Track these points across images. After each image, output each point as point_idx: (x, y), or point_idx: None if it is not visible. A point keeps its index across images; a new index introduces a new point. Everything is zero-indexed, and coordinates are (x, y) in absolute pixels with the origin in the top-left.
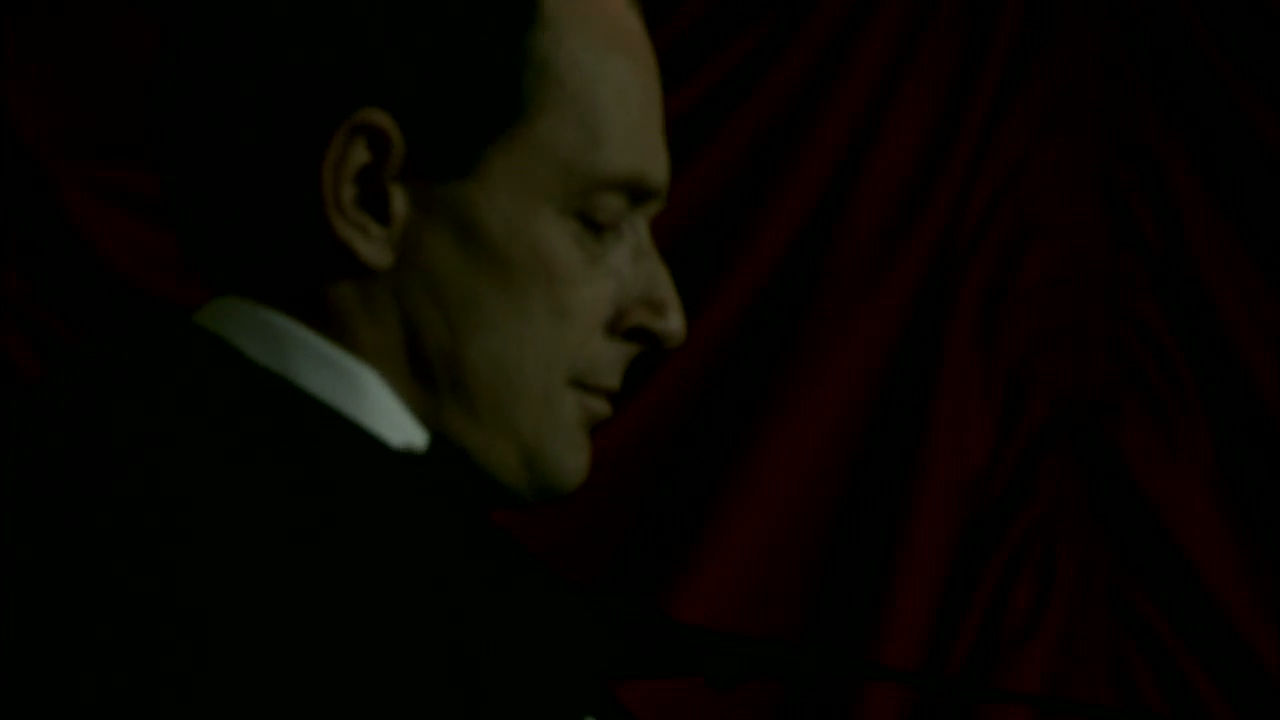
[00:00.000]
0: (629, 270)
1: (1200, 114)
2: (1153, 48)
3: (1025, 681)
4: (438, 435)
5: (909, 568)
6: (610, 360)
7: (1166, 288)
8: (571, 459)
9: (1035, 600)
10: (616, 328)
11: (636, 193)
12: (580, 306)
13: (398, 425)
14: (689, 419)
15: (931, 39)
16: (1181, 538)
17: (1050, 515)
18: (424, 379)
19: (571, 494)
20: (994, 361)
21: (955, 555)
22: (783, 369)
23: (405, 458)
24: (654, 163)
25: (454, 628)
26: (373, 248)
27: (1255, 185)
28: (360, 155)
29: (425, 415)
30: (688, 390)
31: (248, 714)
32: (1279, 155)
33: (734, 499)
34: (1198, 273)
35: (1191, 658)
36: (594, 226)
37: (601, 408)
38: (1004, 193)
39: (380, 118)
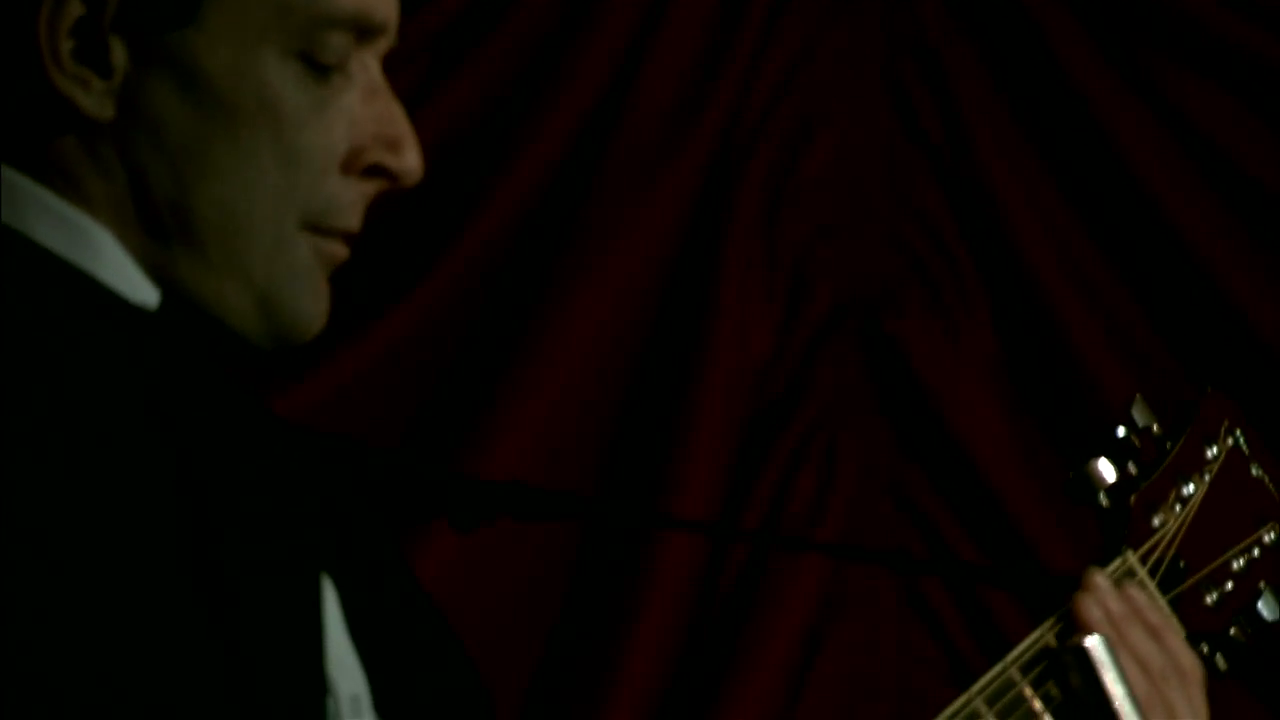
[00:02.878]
0: (362, 110)
1: (983, 5)
2: None
3: (808, 571)
4: (171, 289)
5: (693, 459)
6: (347, 201)
7: (948, 180)
8: (308, 304)
9: (818, 490)
10: (352, 167)
11: (361, 29)
12: (310, 148)
13: (131, 280)
14: (471, 315)
15: None
16: (961, 427)
17: (832, 406)
18: (154, 230)
19: (309, 341)
20: (776, 253)
21: (739, 446)
22: (565, 262)
23: (138, 311)
24: None
25: (180, 477)
26: (93, 100)
27: (1038, 78)
28: (75, 8)
29: (159, 266)
30: (469, 286)
31: None
32: (1062, 48)
33: (517, 394)
34: (979, 165)
35: (970, 545)
36: (320, 68)
37: (339, 251)
38: (786, 85)
39: None
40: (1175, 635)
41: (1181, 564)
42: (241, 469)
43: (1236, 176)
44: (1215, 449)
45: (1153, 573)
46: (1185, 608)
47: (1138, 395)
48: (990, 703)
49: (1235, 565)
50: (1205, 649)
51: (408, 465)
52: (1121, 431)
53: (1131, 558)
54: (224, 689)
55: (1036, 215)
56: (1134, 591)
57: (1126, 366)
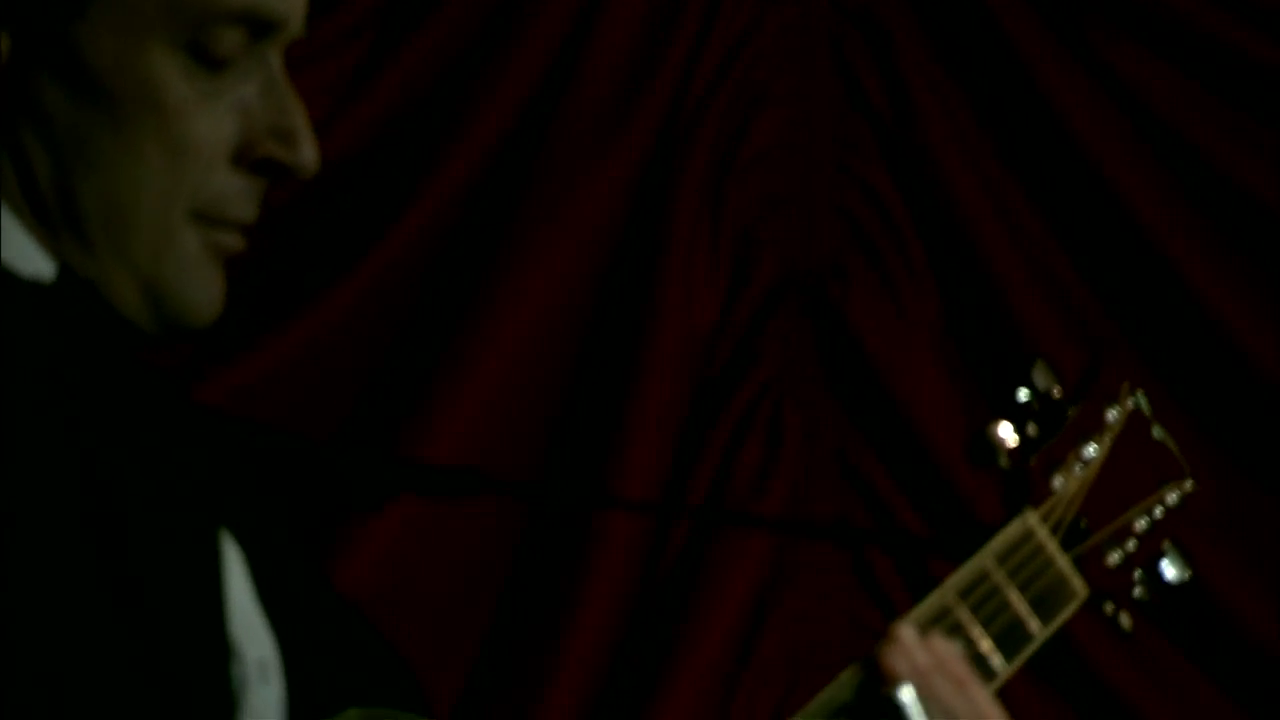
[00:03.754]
0: (257, 103)
1: None
2: None
3: (753, 542)
4: (65, 267)
5: (638, 430)
6: (238, 193)
7: (894, 153)
8: (196, 293)
9: (763, 461)
10: (244, 160)
11: (255, 24)
12: (197, 140)
13: (27, 255)
14: (416, 290)
15: None
16: (906, 398)
17: (778, 377)
18: (41, 217)
19: (202, 329)
20: (722, 225)
21: (684, 416)
22: (511, 235)
23: (31, 286)
24: None
25: (75, 448)
26: None
27: (984, 52)
28: None
29: (50, 249)
30: (414, 261)
31: None
32: (1008, 21)
33: (462, 368)
34: (925, 137)
35: (915, 514)
36: (212, 61)
37: (232, 241)
38: (733, 58)
39: None
40: (979, 687)
41: (1083, 524)
42: (139, 439)
43: (1181, 147)
44: (1117, 411)
45: (1053, 533)
46: (1087, 567)
47: (1039, 359)
48: None
49: (1138, 525)
50: (1110, 609)
51: (310, 449)
52: (1023, 395)
53: (1032, 518)
54: (124, 656)
55: (982, 188)
56: (939, 643)
57: (1069, 335)
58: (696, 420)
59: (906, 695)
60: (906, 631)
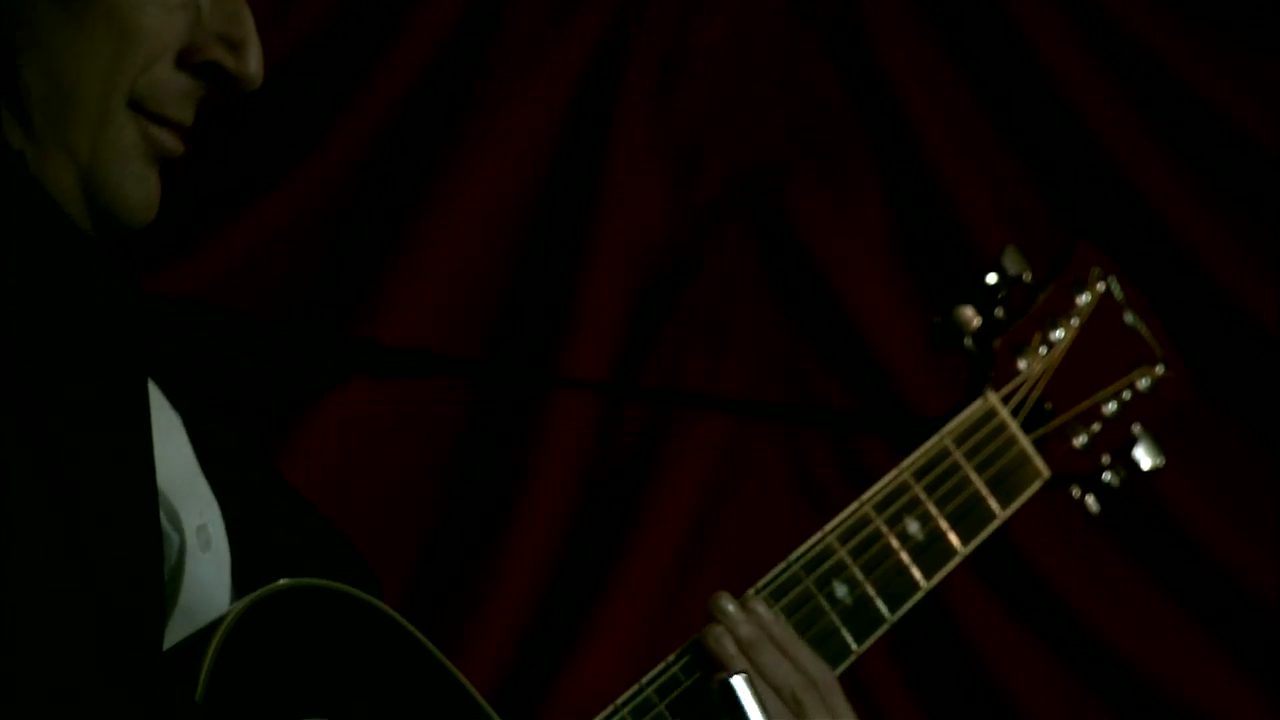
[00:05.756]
0: (209, 7)
1: None
2: None
3: (701, 450)
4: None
5: (583, 337)
6: (179, 91)
7: (840, 55)
8: (132, 189)
9: (709, 365)
10: (188, 61)
11: None
12: (146, 29)
13: None
14: (365, 184)
15: None
16: (853, 301)
17: (725, 282)
18: None
19: (136, 229)
20: (668, 129)
21: (629, 322)
22: (454, 138)
23: None
24: None
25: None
26: None
27: None
28: None
29: None
30: (362, 156)
31: None
32: None
33: (413, 256)
34: (874, 43)
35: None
36: None
37: (168, 140)
38: None
39: None
40: (801, 647)
41: (1047, 406)
42: (64, 312)
43: (1131, 51)
44: (1086, 296)
45: (1015, 414)
46: (1050, 448)
47: (1010, 245)
48: None
49: (1106, 409)
50: (1076, 492)
51: (262, 326)
52: (992, 278)
53: (993, 398)
54: (46, 529)
55: (928, 90)
56: (759, 608)
57: (1018, 239)
58: (644, 326)
59: (739, 682)
60: (728, 605)
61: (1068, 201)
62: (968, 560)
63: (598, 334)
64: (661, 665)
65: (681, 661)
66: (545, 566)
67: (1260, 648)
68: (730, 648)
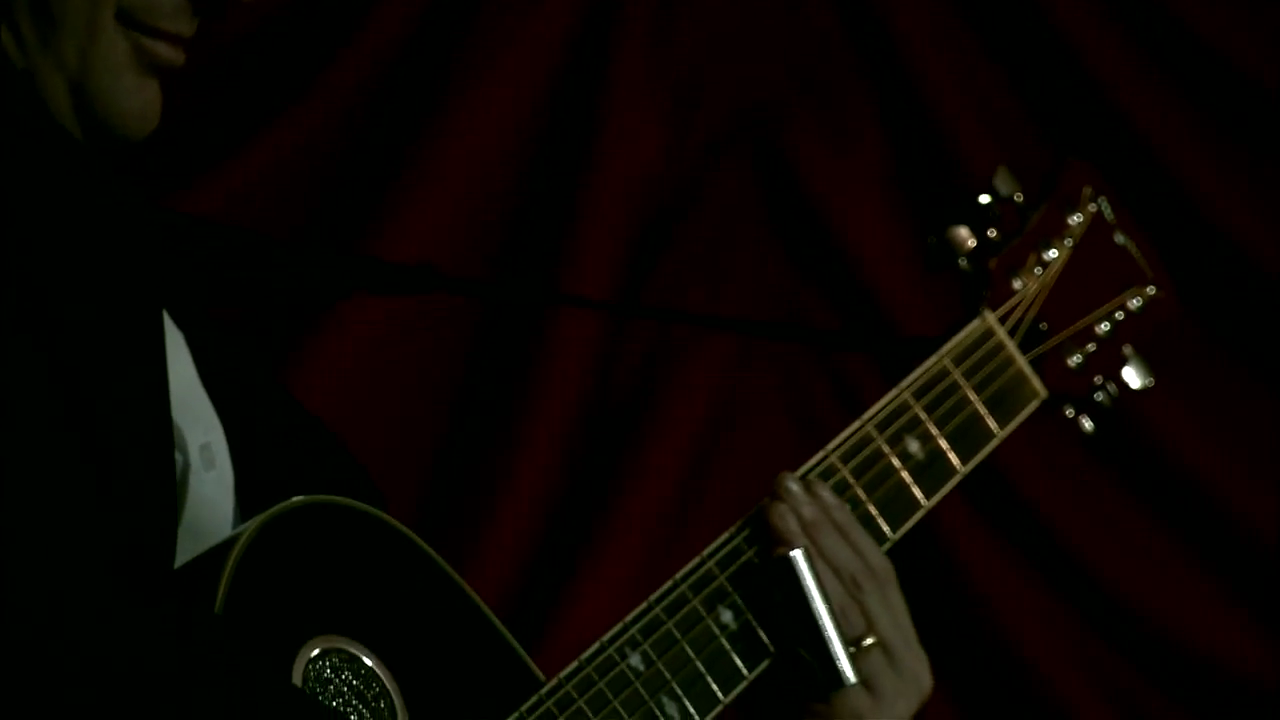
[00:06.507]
0: None
1: None
2: None
3: (701, 386)
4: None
5: (584, 264)
6: (170, 3)
7: None
8: (126, 101)
9: (708, 300)
10: None
11: None
12: None
13: None
14: (371, 113)
15: None
16: (850, 235)
17: (724, 216)
18: None
19: (135, 141)
20: (667, 65)
21: (630, 257)
22: (457, 69)
23: None
24: None
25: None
26: None
27: None
28: None
29: None
30: (369, 85)
31: None
32: None
33: (403, 205)
34: None
35: (861, 359)
36: None
37: (165, 52)
38: None
39: None
40: (862, 534)
41: (1042, 325)
42: (79, 229)
43: None
44: (1078, 216)
45: (1012, 334)
46: (1046, 368)
47: (1002, 165)
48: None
49: (1099, 329)
50: (1070, 412)
51: (268, 243)
52: (985, 199)
53: (990, 318)
54: (60, 442)
55: (926, 25)
56: (823, 491)
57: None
58: (642, 262)
59: (799, 557)
60: (793, 484)
61: (1067, 137)
62: (958, 486)
63: (597, 267)
64: (721, 539)
65: (742, 535)
66: (553, 478)
67: (1249, 575)
68: (793, 525)
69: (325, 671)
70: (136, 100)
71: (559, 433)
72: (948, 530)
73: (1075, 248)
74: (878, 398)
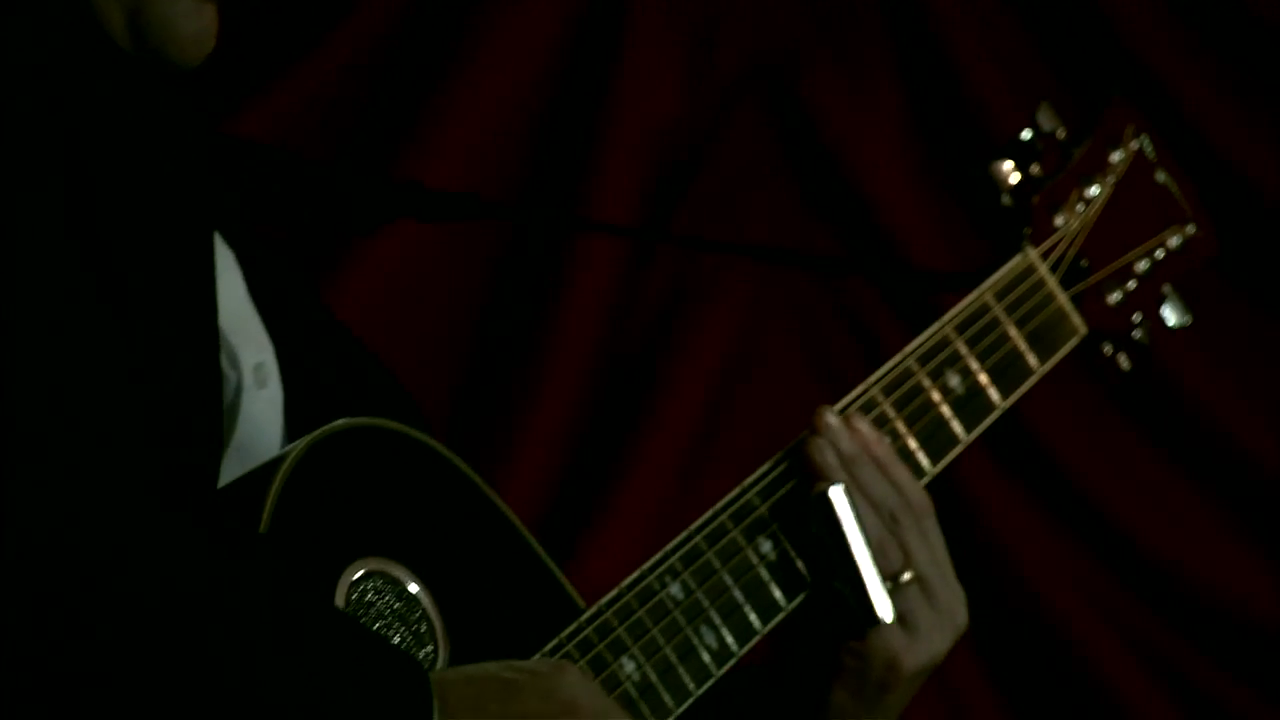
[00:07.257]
0: None
1: None
2: None
3: (717, 334)
4: None
5: (602, 211)
6: None
7: None
8: (183, 23)
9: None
10: None
11: None
12: None
13: None
14: (378, 77)
15: None
16: (869, 186)
17: (743, 166)
18: None
19: (190, 64)
20: (685, 11)
21: (647, 204)
22: (473, 20)
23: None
24: None
25: (68, 160)
26: None
27: None
28: None
29: None
30: (377, 48)
31: None
32: None
33: (429, 142)
34: None
35: (884, 307)
36: None
37: None
38: None
39: None
40: (901, 469)
41: (1084, 263)
42: (131, 146)
43: None
44: (1120, 153)
45: (1053, 270)
46: (1087, 305)
47: (1044, 101)
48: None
49: (1138, 267)
50: (1108, 349)
51: (312, 166)
52: (1027, 134)
53: (1032, 254)
54: (112, 356)
55: None
56: (860, 424)
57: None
58: (659, 207)
59: (837, 493)
60: (831, 419)
61: (1083, 80)
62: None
63: (615, 215)
64: (762, 470)
65: (782, 466)
66: (580, 398)
67: (1266, 519)
68: (832, 459)
69: (368, 594)
70: (194, 24)
71: (581, 369)
72: (965, 477)
73: (1117, 185)
74: (895, 348)
